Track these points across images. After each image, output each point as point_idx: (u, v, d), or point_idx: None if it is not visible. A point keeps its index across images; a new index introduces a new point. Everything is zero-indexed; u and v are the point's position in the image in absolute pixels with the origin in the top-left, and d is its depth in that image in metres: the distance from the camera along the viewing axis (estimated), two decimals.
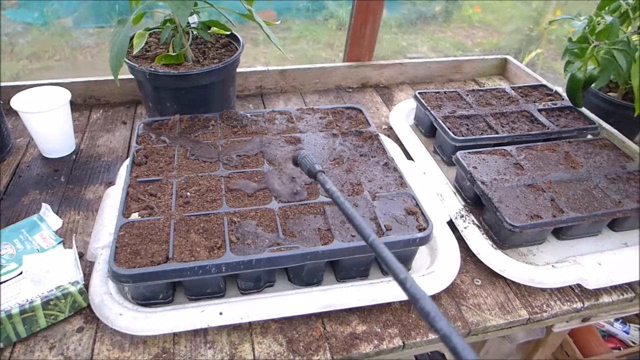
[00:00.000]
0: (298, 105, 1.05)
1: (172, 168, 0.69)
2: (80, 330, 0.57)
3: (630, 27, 0.88)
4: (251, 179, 0.67)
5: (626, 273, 0.68)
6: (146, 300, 0.57)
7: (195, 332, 0.58)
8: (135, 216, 0.60)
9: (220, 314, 0.56)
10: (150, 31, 0.86)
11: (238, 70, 1.03)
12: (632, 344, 1.46)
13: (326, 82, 1.12)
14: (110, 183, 0.79)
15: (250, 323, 0.59)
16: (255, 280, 0.60)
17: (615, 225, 0.77)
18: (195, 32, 0.88)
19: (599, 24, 0.84)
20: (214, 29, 0.88)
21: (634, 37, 0.92)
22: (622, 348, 1.45)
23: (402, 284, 0.37)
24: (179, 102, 0.82)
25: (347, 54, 1.13)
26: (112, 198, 0.69)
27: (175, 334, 0.57)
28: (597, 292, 0.68)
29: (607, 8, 0.95)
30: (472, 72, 1.22)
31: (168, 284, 0.57)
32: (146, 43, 0.86)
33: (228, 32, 0.89)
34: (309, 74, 1.09)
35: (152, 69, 0.77)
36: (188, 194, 0.64)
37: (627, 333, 1.47)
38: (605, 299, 0.68)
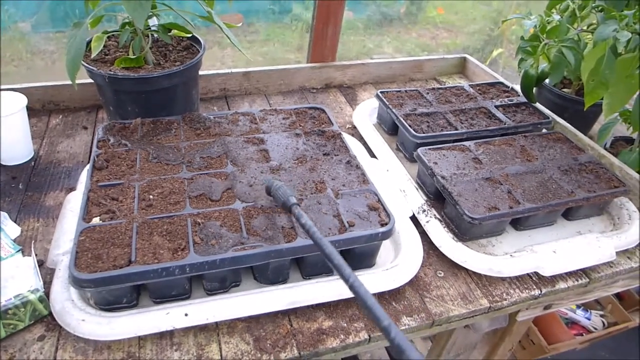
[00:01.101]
0: (263, 107, 1.06)
1: (134, 171, 0.68)
2: (41, 339, 0.56)
3: (577, 25, 0.92)
4: (215, 179, 0.67)
5: (580, 260, 0.71)
6: (109, 304, 0.57)
7: (161, 335, 0.58)
8: (96, 220, 0.60)
9: (186, 315, 0.56)
10: (109, 34, 0.85)
11: (201, 72, 1.03)
12: (593, 330, 1.52)
13: (290, 83, 1.12)
14: (71, 189, 0.77)
15: (216, 323, 0.59)
16: (220, 280, 0.60)
17: (569, 214, 0.80)
18: (156, 35, 0.87)
19: (548, 23, 0.88)
20: (174, 31, 0.87)
21: (584, 35, 0.96)
22: (584, 334, 1.51)
23: (386, 331, 0.36)
24: (140, 106, 0.82)
25: (310, 55, 1.14)
26: (73, 204, 0.68)
27: (140, 338, 0.57)
28: (553, 279, 0.71)
29: (557, 7, 0.99)
30: (433, 71, 1.25)
31: (132, 288, 0.57)
32: (105, 46, 0.85)
33: (189, 35, 0.89)
34: (272, 75, 1.10)
35: (112, 73, 0.76)
36: (151, 196, 0.64)
37: (589, 319, 1.53)
38: (561, 285, 0.71)
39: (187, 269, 0.54)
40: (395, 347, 0.34)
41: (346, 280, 0.41)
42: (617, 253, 0.75)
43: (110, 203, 0.62)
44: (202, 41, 0.89)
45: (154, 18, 0.87)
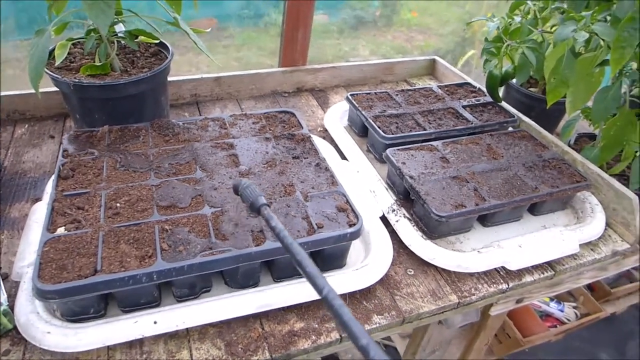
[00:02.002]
0: (234, 112, 1.06)
1: (101, 180, 0.67)
2: (6, 354, 0.55)
3: (539, 27, 0.95)
4: (183, 186, 0.67)
5: (544, 253, 0.73)
6: (76, 315, 0.56)
7: (130, 344, 0.57)
8: (61, 230, 0.59)
9: (155, 323, 0.56)
10: (74, 41, 0.84)
11: (171, 78, 1.03)
12: (567, 321, 1.56)
13: (262, 87, 1.13)
14: (37, 199, 0.76)
15: (187, 330, 0.59)
16: (190, 286, 0.60)
17: (534, 209, 0.82)
18: (123, 42, 0.86)
19: (510, 25, 0.90)
20: (141, 37, 0.87)
21: (548, 36, 0.99)
22: (558, 326, 1.55)
23: (365, 350, 0.34)
24: (107, 113, 0.81)
25: (281, 59, 1.15)
26: (38, 214, 0.67)
27: (109, 348, 0.56)
28: (519, 273, 0.73)
29: (521, 8, 1.02)
30: (403, 73, 1.27)
31: (99, 297, 0.56)
32: (70, 54, 0.83)
33: (157, 41, 0.89)
34: (244, 80, 1.10)
35: (77, 80, 0.76)
36: (118, 204, 0.63)
37: (562, 311, 1.57)
38: (528, 278, 0.73)
39: (155, 277, 0.54)
40: None
41: (319, 291, 0.38)
42: (581, 245, 0.77)
43: (76, 212, 0.61)
44: (170, 47, 0.88)
45: (121, 24, 0.86)
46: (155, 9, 0.82)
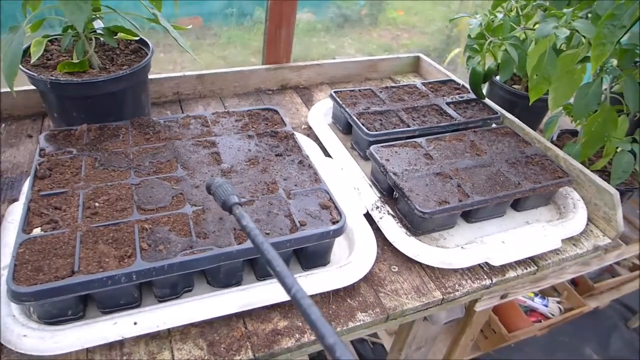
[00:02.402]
0: (218, 110, 1.04)
1: (79, 179, 0.66)
2: None
3: (522, 24, 0.95)
4: (164, 184, 0.66)
5: (527, 249, 0.74)
6: (54, 318, 0.55)
7: (110, 346, 0.56)
8: (37, 231, 0.57)
9: (135, 324, 0.55)
10: (51, 38, 0.82)
11: (153, 76, 1.01)
12: (551, 316, 1.58)
13: (245, 85, 1.12)
14: (14, 200, 0.74)
15: (169, 330, 0.58)
16: (171, 286, 0.59)
17: (517, 205, 0.83)
18: (102, 39, 0.85)
19: (493, 22, 0.90)
20: (120, 34, 0.85)
21: (530, 33, 1.00)
22: (542, 320, 1.57)
23: (331, 349, 0.33)
24: (86, 112, 0.79)
25: (265, 57, 1.14)
26: (15, 215, 0.66)
27: (88, 350, 0.55)
28: (503, 269, 0.73)
29: (503, 5, 1.02)
30: (388, 71, 1.27)
31: (77, 299, 0.55)
32: (47, 51, 0.82)
33: (136, 38, 0.87)
34: (227, 77, 1.09)
35: (54, 78, 0.74)
36: (96, 204, 0.62)
37: (547, 306, 1.59)
38: (511, 274, 0.73)
39: (134, 277, 0.53)
40: None
41: (288, 290, 0.38)
42: (563, 241, 0.78)
43: (53, 212, 0.60)
44: (150, 44, 0.87)
45: (99, 21, 0.85)
46: (140, 6, 0.81)
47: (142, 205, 0.62)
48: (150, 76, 0.97)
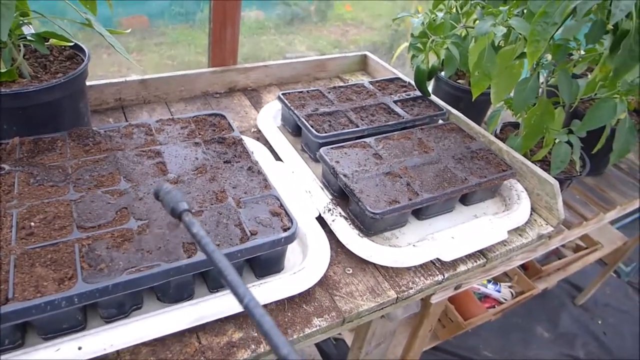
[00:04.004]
0: (164, 115, 1.01)
1: (12, 197, 0.62)
2: None
3: (461, 22, 0.98)
4: (106, 199, 0.63)
5: (475, 243, 0.76)
6: None
7: None
8: None
9: (79, 348, 0.52)
10: None
11: (93, 82, 0.97)
12: (504, 301, 1.64)
13: (192, 89, 1.09)
14: None
15: (117, 352, 0.56)
16: (118, 305, 0.56)
17: (465, 200, 0.85)
18: (32, 45, 0.80)
19: (434, 20, 0.92)
20: (52, 40, 0.81)
21: (471, 30, 1.02)
22: (496, 306, 1.63)
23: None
24: (19, 124, 0.74)
25: (210, 59, 1.11)
26: None
27: None
28: (454, 263, 0.75)
29: (445, 3, 1.05)
30: (336, 70, 1.27)
31: (13, 327, 0.51)
32: None
33: (70, 44, 0.83)
34: (172, 82, 1.05)
35: None
36: (32, 224, 0.59)
37: (499, 292, 1.65)
38: (462, 267, 0.75)
39: (76, 300, 0.50)
40: None
41: (240, 300, 0.37)
42: (509, 232, 0.81)
43: None
44: (86, 49, 0.83)
45: (29, 26, 0.80)
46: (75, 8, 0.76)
47: (82, 222, 0.59)
48: (89, 82, 0.93)
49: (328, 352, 1.70)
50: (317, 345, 1.70)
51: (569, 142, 0.91)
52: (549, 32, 0.79)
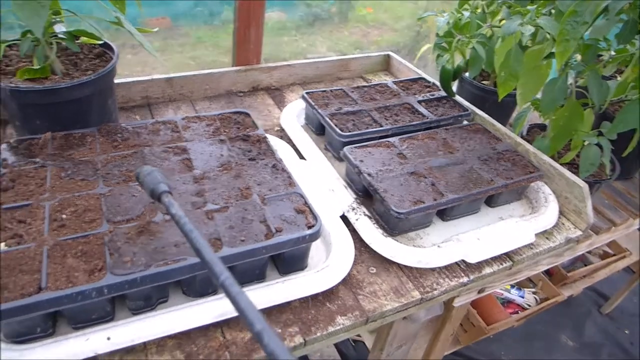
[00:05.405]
0: (188, 113, 1.03)
1: (44, 190, 0.63)
2: None
3: (488, 21, 0.97)
4: (134, 193, 0.64)
5: (502, 245, 0.75)
6: (22, 336, 0.53)
7: None
8: (1, 247, 0.55)
9: (108, 339, 0.53)
10: (9, 43, 0.79)
11: (120, 80, 0.98)
12: (527, 307, 1.61)
13: (216, 87, 1.10)
14: None
15: (144, 343, 0.57)
16: (145, 298, 0.57)
17: (491, 201, 0.84)
18: (64, 43, 0.82)
19: (460, 20, 0.91)
20: (83, 38, 0.83)
21: (497, 30, 1.01)
22: (519, 312, 1.60)
23: (259, 336, 0.33)
24: (50, 119, 0.76)
25: (235, 59, 1.12)
26: None
27: None
28: (479, 265, 0.74)
29: (470, 3, 1.04)
30: (359, 70, 1.27)
31: (45, 316, 0.53)
32: (6, 56, 0.78)
33: (100, 42, 0.85)
34: (197, 80, 1.07)
35: (13, 85, 0.71)
36: (63, 216, 0.60)
37: (523, 297, 1.62)
38: (487, 270, 0.74)
39: (105, 291, 0.51)
40: (269, 353, 0.31)
41: (217, 278, 0.36)
42: (537, 235, 0.79)
43: (17, 226, 0.58)
44: (115, 48, 0.85)
45: (60, 24, 0.82)
46: (103, 8, 0.78)
47: (111, 216, 0.60)
48: (117, 80, 0.94)
49: (347, 354, 1.69)
50: (337, 346, 1.70)
51: (598, 145, 0.89)
52: (578, 31, 0.77)
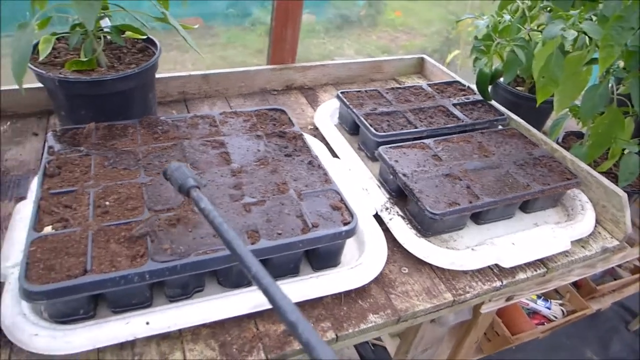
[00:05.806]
0: (223, 109, 1.04)
1: (89, 178, 0.65)
2: None
3: (527, 25, 0.95)
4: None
5: (537, 250, 0.74)
6: (65, 317, 0.54)
7: (121, 346, 0.55)
8: (48, 230, 0.57)
9: (147, 324, 0.54)
10: (59, 36, 0.81)
11: (158, 75, 1.01)
12: (554, 318, 1.58)
13: (251, 85, 1.11)
14: (21, 198, 0.73)
15: (180, 330, 0.58)
16: (182, 286, 0.58)
17: (526, 207, 0.83)
18: (109, 37, 0.84)
19: (500, 23, 0.91)
20: (128, 33, 0.85)
21: (535, 35, 1.00)
22: (545, 323, 1.57)
23: (293, 326, 0.32)
24: (94, 110, 0.79)
25: (270, 57, 1.14)
26: (23, 213, 0.65)
27: (99, 350, 0.55)
28: (513, 270, 0.73)
29: (508, 8, 1.03)
30: (392, 72, 1.27)
31: (88, 298, 0.54)
32: (55, 49, 0.81)
33: (144, 37, 0.87)
34: (232, 77, 1.08)
35: (62, 76, 0.73)
36: (107, 203, 0.62)
37: (549, 309, 1.59)
38: (521, 275, 0.73)
39: (147, 276, 0.53)
40: (304, 343, 0.31)
41: (249, 270, 0.36)
42: (572, 242, 0.78)
43: (63, 211, 0.60)
44: (157, 43, 0.87)
45: (107, 19, 0.84)
46: (140, 4, 0.80)
47: (152, 204, 0.62)
48: (155, 75, 0.97)
49: (366, 357, 1.68)
50: (356, 348, 1.69)
51: (639, 154, 0.87)
52: (624, 37, 0.76)
